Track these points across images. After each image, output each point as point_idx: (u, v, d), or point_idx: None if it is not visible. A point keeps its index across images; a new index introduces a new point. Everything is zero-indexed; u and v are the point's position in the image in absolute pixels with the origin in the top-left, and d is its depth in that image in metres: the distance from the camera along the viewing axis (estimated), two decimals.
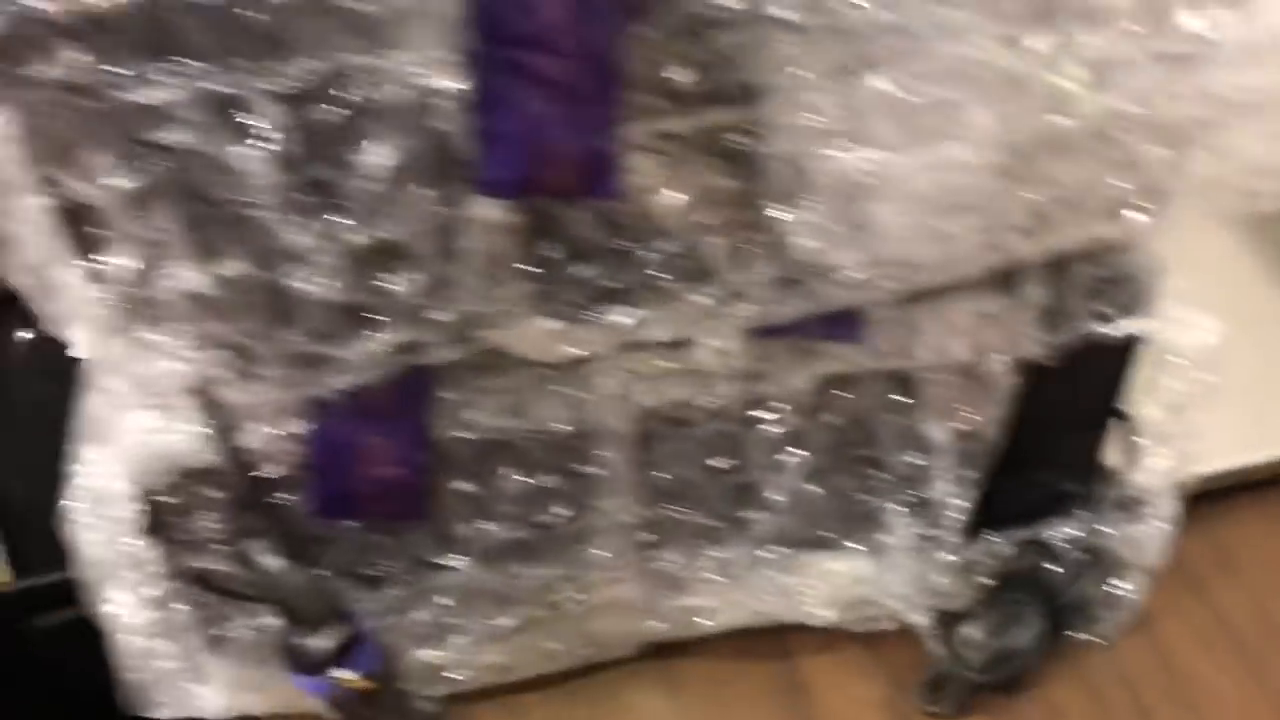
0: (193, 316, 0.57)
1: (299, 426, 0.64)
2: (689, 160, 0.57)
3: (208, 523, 0.66)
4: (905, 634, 0.81)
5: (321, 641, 0.65)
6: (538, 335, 0.62)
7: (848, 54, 0.53)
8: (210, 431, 0.63)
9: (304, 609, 0.65)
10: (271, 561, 0.64)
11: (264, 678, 0.73)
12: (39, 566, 1.10)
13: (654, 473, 0.72)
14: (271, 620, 0.67)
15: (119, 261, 0.53)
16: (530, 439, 0.69)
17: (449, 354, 0.62)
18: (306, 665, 0.65)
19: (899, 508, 0.75)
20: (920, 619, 0.78)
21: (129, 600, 0.68)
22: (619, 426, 0.69)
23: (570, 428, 0.68)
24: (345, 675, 0.65)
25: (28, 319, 1.26)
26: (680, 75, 0.54)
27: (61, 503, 0.68)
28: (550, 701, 0.82)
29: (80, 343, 0.62)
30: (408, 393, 0.65)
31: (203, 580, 0.67)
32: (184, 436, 0.64)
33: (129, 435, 0.65)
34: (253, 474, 0.65)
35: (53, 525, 1.15)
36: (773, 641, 0.83)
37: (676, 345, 0.67)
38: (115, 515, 0.66)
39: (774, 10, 0.51)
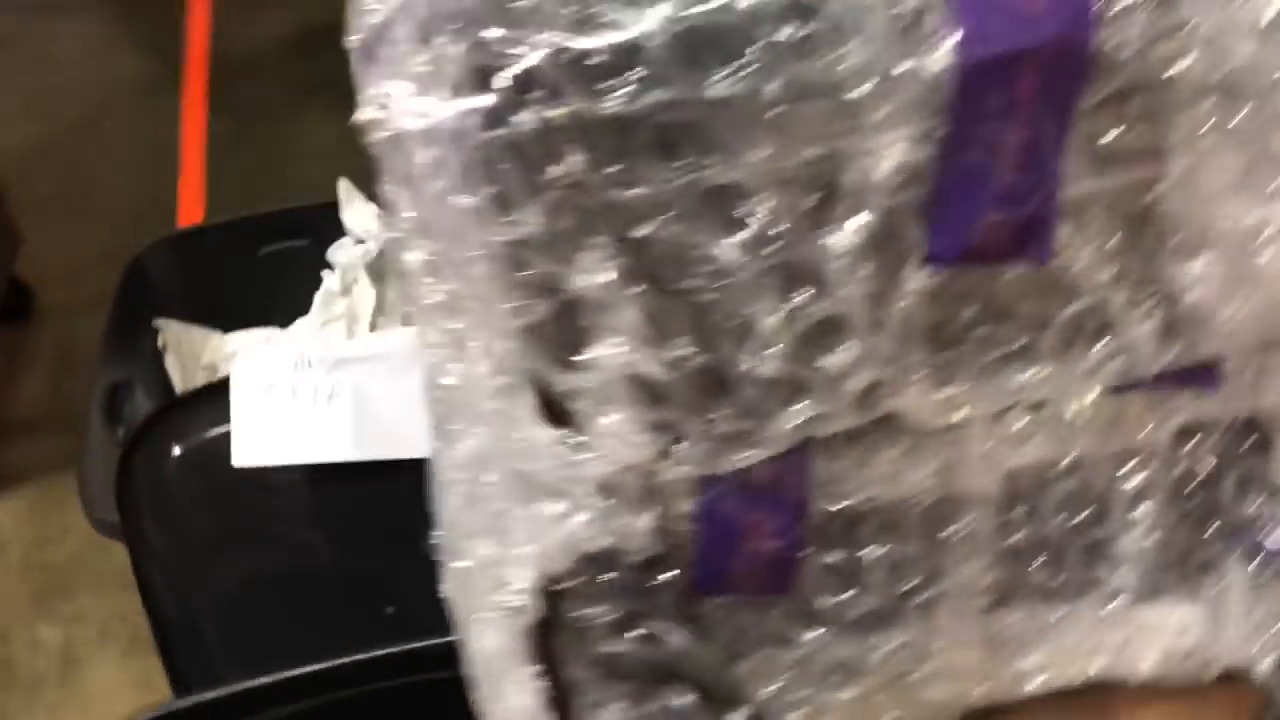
0: (636, 401, 0.59)
1: (692, 504, 0.66)
2: (1099, 219, 0.60)
3: (610, 606, 0.67)
4: (1228, 685, 0.82)
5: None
6: (937, 399, 0.64)
7: (1267, 115, 0.56)
8: (620, 515, 0.65)
9: (717, 687, 0.66)
10: (681, 640, 0.66)
11: None
12: (199, 682, 1.11)
13: (1011, 534, 0.73)
14: (677, 701, 0.67)
15: (601, 352, 0.55)
16: (898, 506, 0.71)
17: (849, 423, 0.64)
18: None
19: (1240, 556, 0.77)
20: (1262, 668, 0.79)
21: (522, 693, 0.69)
22: (985, 488, 0.71)
23: (937, 493, 0.70)
24: None
25: (179, 434, 1.28)
26: (1108, 138, 0.57)
27: (448, 594, 0.69)
28: None
29: (475, 435, 0.65)
30: (790, 466, 0.67)
31: (607, 665, 0.68)
32: (586, 521, 0.65)
33: (529, 525, 0.67)
34: (650, 555, 0.67)
35: (206, 640, 1.16)
36: (1092, 698, 0.84)
37: (1041, 404, 0.69)
38: (512, 605, 0.67)
39: (1215, 76, 0.54)
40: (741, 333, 0.57)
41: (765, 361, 0.58)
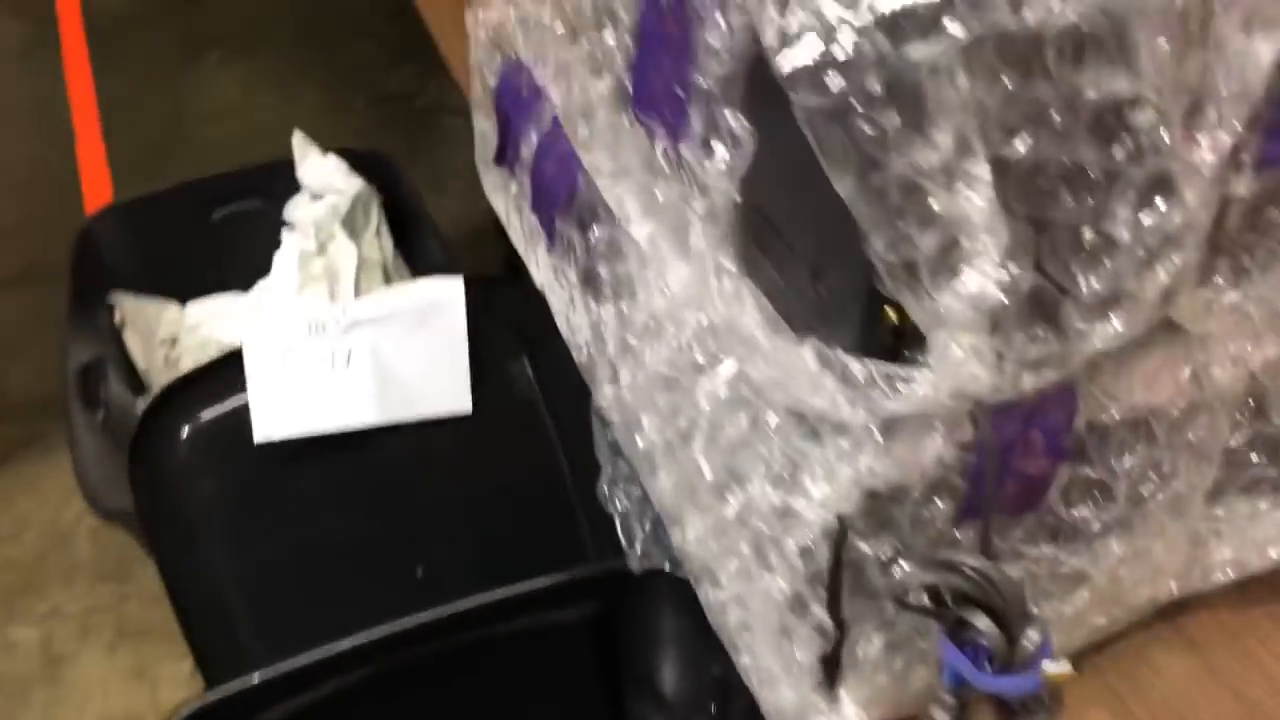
0: (983, 327, 0.57)
1: (976, 430, 0.65)
2: None
3: (889, 541, 0.66)
4: None
5: (1034, 637, 0.65)
6: (1225, 302, 0.65)
7: None
8: (909, 447, 0.63)
9: (1016, 605, 0.65)
10: (981, 564, 0.65)
11: (892, 689, 0.73)
12: (229, 664, 1.07)
13: (1237, 432, 0.75)
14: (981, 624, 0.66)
15: (974, 277, 0.53)
16: (1149, 414, 0.71)
17: (1137, 333, 0.64)
18: (1021, 664, 0.65)
19: None
20: None
21: (805, 639, 0.68)
22: (1231, 388, 0.72)
23: (1186, 398, 0.71)
24: (1055, 668, 0.65)
25: (186, 415, 1.22)
26: None
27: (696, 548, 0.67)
28: (1084, 677, 0.83)
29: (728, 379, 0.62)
30: (1064, 382, 0.67)
31: (885, 600, 0.67)
32: (876, 457, 0.64)
33: (818, 464, 0.65)
34: (928, 485, 0.66)
35: (234, 620, 1.12)
36: (1273, 583, 0.87)
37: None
38: (802, 548, 0.66)
39: None
40: (1082, 250, 0.56)
41: (1101, 279, 0.57)
